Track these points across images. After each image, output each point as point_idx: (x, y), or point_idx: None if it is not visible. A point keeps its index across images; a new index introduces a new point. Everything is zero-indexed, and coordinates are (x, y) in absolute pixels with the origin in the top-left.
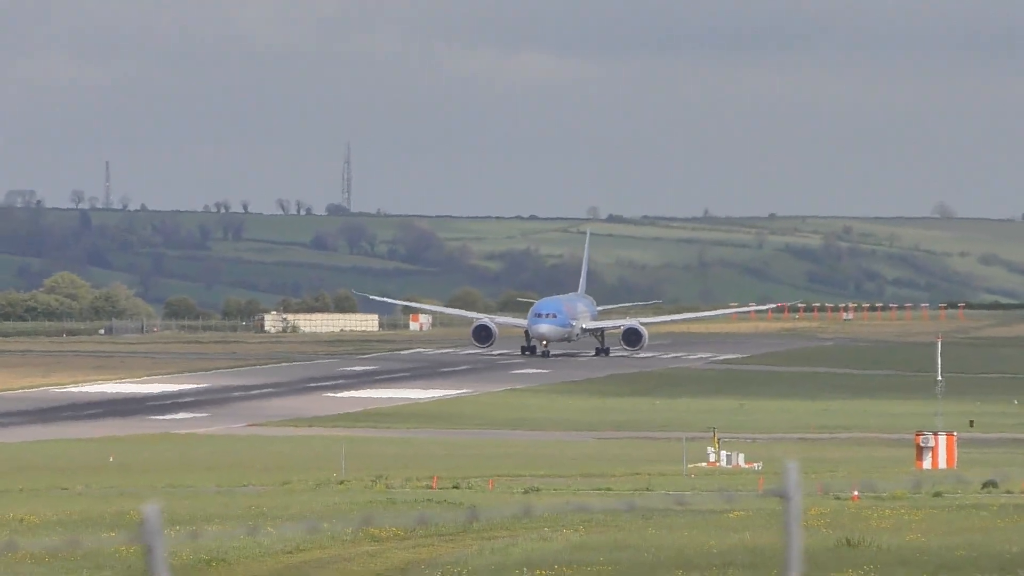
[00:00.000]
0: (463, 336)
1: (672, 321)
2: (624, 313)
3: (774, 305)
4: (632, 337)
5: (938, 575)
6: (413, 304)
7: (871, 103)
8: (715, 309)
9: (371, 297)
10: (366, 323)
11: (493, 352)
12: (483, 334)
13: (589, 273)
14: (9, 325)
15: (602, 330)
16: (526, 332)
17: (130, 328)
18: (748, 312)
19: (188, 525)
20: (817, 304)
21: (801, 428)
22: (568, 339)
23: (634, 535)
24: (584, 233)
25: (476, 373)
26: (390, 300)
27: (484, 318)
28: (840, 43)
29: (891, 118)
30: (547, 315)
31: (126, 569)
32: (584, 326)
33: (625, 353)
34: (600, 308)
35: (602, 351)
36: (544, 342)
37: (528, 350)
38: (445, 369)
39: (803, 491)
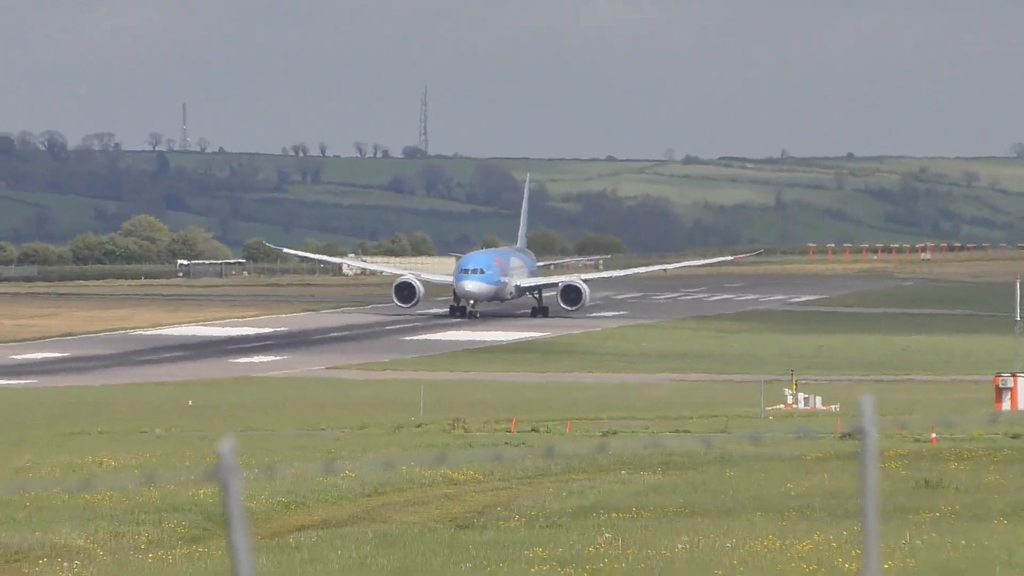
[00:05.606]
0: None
1: (629, 275)
2: (571, 268)
3: (732, 256)
4: (572, 295)
5: (1018, 515)
6: (305, 254)
7: (948, 42)
8: (687, 260)
9: (284, 250)
10: (444, 266)
11: (416, 312)
12: (406, 292)
13: (667, 214)
14: (88, 268)
15: (539, 287)
16: (454, 290)
17: (208, 271)
18: (714, 263)
19: (266, 468)
20: (895, 245)
21: (879, 369)
22: (500, 298)
23: (712, 478)
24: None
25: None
26: (299, 253)
27: (407, 274)
28: None
29: (969, 57)
30: (473, 270)
31: (202, 511)
32: (519, 283)
33: (566, 312)
34: (542, 263)
35: (539, 311)
36: (471, 301)
37: (458, 310)
38: (522, 311)
39: (880, 431)
